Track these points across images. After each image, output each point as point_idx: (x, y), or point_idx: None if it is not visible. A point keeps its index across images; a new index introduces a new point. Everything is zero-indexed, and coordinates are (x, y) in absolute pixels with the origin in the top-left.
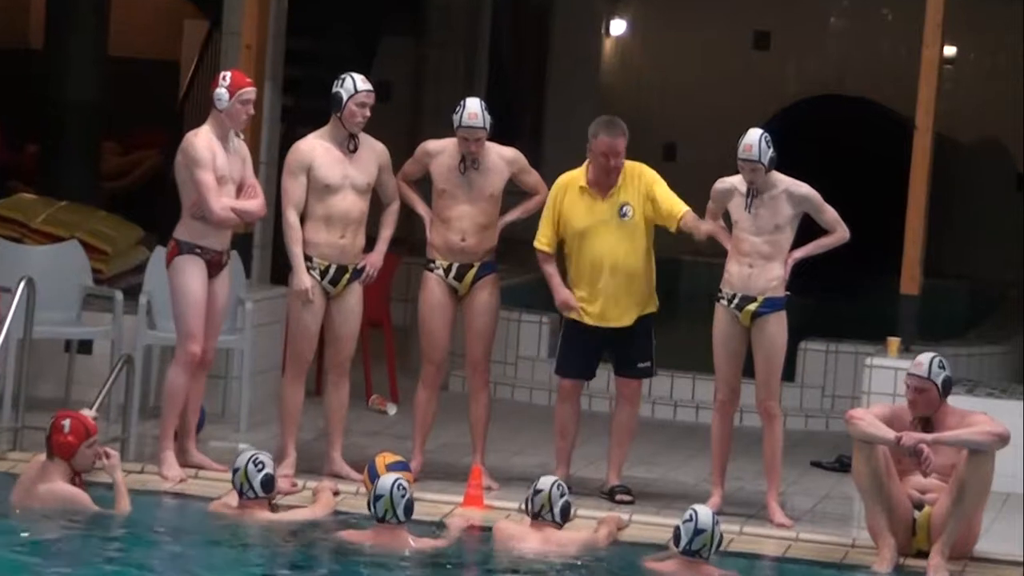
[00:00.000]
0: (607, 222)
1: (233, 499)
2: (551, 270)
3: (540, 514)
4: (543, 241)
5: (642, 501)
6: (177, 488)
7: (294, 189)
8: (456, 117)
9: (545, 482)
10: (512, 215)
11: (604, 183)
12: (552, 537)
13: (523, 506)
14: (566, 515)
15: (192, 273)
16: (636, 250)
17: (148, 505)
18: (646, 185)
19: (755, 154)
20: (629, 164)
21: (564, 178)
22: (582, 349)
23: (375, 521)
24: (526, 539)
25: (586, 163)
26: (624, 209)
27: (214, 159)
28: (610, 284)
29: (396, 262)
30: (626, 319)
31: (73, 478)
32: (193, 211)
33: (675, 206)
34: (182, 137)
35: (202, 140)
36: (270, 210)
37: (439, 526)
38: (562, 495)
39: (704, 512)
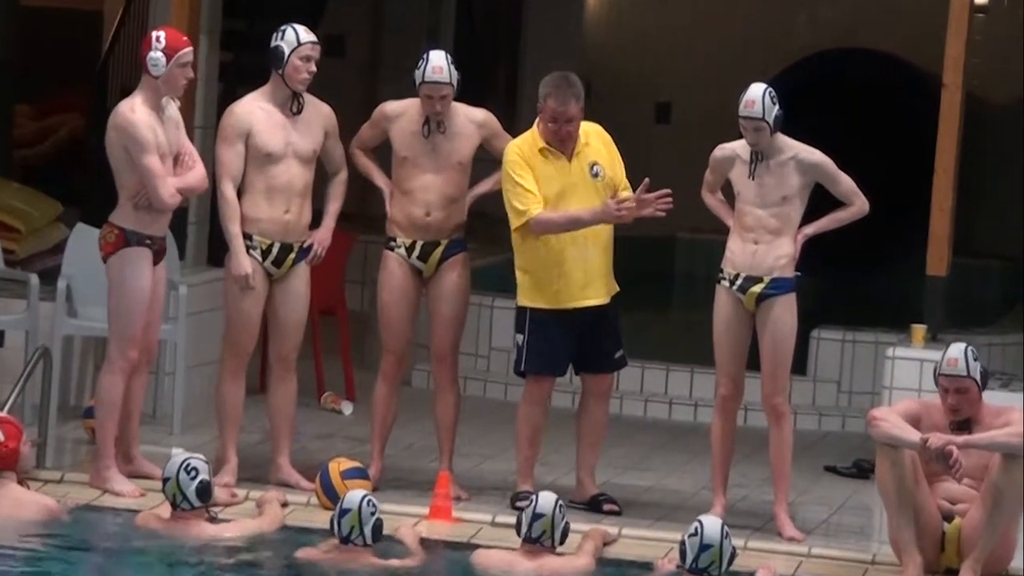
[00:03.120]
0: (580, 183)
1: (166, 510)
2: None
3: (539, 540)
4: (534, 204)
5: (633, 512)
6: (133, 504)
7: (231, 159)
8: (418, 72)
9: (546, 504)
10: (483, 186)
11: (560, 146)
12: (547, 565)
13: (517, 530)
14: (565, 538)
15: (141, 270)
16: None
17: (78, 520)
18: (608, 146)
19: (758, 111)
20: (586, 124)
21: (520, 145)
22: (555, 340)
23: (338, 540)
24: (517, 568)
25: (536, 122)
26: (595, 168)
27: (156, 138)
28: (592, 252)
29: (351, 240)
30: (607, 295)
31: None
32: (137, 200)
33: (623, 181)
34: (105, 98)
35: (141, 117)
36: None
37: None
38: (563, 517)
39: (711, 524)
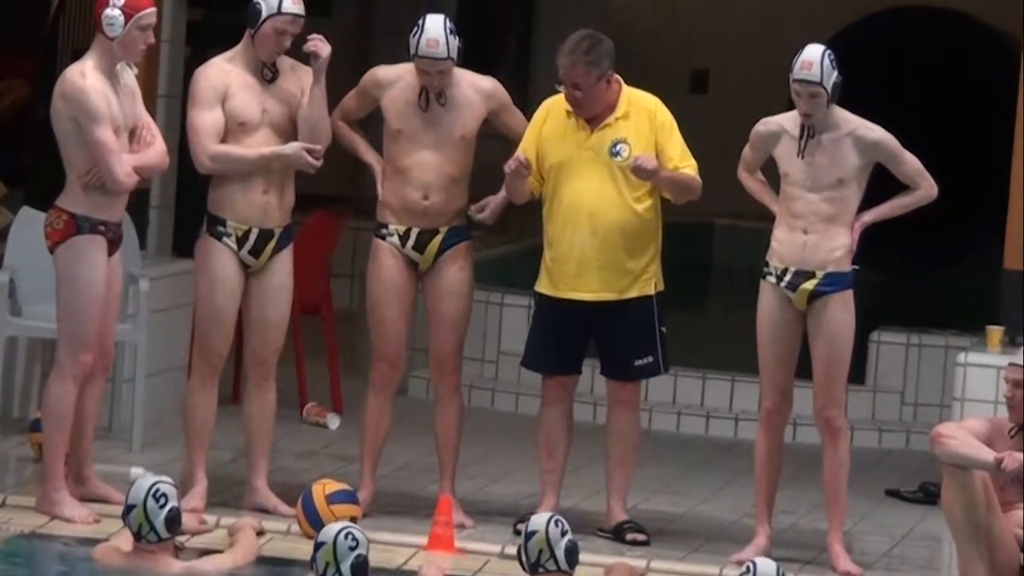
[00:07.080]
0: (591, 159)
1: (126, 541)
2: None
3: (541, 563)
4: None
5: (662, 542)
6: (86, 531)
7: (211, 121)
8: (412, 41)
9: (538, 521)
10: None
11: (576, 111)
12: None
13: (518, 557)
14: (573, 559)
15: (95, 261)
16: (627, 202)
17: (20, 551)
18: (658, 129)
19: (816, 74)
20: (641, 96)
21: (550, 100)
22: (557, 334)
23: None
24: None
25: None
26: (617, 147)
27: (110, 108)
28: (587, 239)
29: (338, 227)
30: (608, 291)
31: None
32: (89, 180)
33: (683, 168)
34: (55, 63)
35: (93, 84)
36: (171, 158)
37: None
38: (563, 533)
39: (765, 565)
